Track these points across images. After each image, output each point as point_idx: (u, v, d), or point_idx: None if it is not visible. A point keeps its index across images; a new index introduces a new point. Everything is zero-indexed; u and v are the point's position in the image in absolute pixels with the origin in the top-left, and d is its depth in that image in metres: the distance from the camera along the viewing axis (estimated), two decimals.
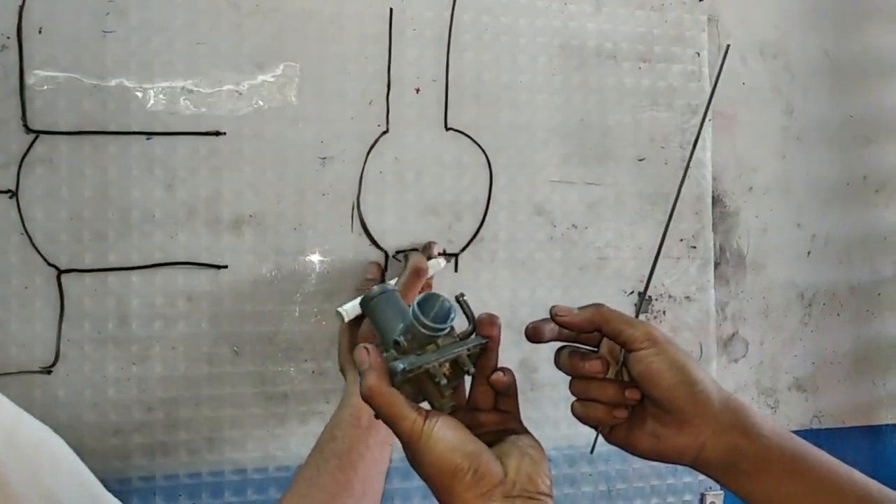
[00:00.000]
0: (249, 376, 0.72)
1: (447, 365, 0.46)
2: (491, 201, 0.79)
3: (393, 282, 0.67)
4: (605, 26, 0.83)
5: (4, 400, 0.31)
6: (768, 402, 0.90)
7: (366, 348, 0.44)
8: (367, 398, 0.42)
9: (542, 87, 0.81)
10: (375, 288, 0.51)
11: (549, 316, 0.51)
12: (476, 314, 0.48)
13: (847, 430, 0.92)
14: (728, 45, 0.63)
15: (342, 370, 0.66)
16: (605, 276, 0.82)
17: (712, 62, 0.87)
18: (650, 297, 0.83)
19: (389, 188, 0.77)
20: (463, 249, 0.79)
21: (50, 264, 0.68)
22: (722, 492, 0.85)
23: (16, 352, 0.67)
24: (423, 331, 0.45)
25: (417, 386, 0.46)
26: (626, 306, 0.83)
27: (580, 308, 0.51)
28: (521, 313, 0.80)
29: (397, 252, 0.76)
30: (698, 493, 0.84)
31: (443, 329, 0.45)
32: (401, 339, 0.46)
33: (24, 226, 0.67)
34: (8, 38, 0.68)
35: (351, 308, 0.65)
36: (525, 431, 0.47)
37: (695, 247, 0.85)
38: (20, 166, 0.68)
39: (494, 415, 0.48)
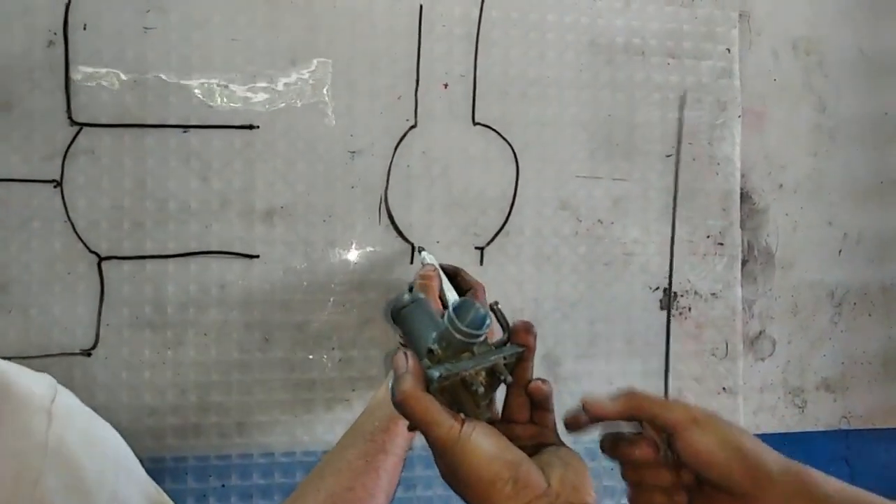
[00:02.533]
0: (278, 363, 0.74)
1: (483, 373, 0.44)
2: (517, 196, 0.80)
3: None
4: (634, 22, 0.83)
5: (76, 401, 0.32)
6: (796, 402, 0.89)
7: (403, 353, 0.43)
8: (401, 403, 0.41)
9: (569, 83, 0.81)
10: (405, 296, 0.50)
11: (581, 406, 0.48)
12: (509, 318, 0.47)
13: (876, 432, 0.91)
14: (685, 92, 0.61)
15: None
16: (630, 272, 0.82)
17: (743, 58, 0.86)
18: (675, 293, 0.83)
19: (417, 182, 0.78)
20: (489, 243, 0.80)
21: (91, 251, 0.71)
22: None
23: (58, 334, 0.70)
24: (459, 337, 0.43)
25: (452, 395, 0.44)
26: (651, 301, 0.83)
27: (612, 399, 0.48)
28: (545, 307, 0.81)
29: (420, 248, 0.77)
30: None
31: (479, 335, 0.44)
32: (435, 346, 0.44)
33: (67, 214, 0.70)
34: (55, 34, 0.71)
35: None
36: (563, 444, 0.45)
37: (722, 244, 0.85)
38: (65, 157, 0.71)
39: (530, 427, 0.45)
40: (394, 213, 0.77)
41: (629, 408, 0.47)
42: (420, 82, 0.78)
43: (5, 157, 0.69)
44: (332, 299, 0.76)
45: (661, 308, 0.83)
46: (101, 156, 0.71)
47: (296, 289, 0.75)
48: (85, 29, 0.71)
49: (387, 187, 0.77)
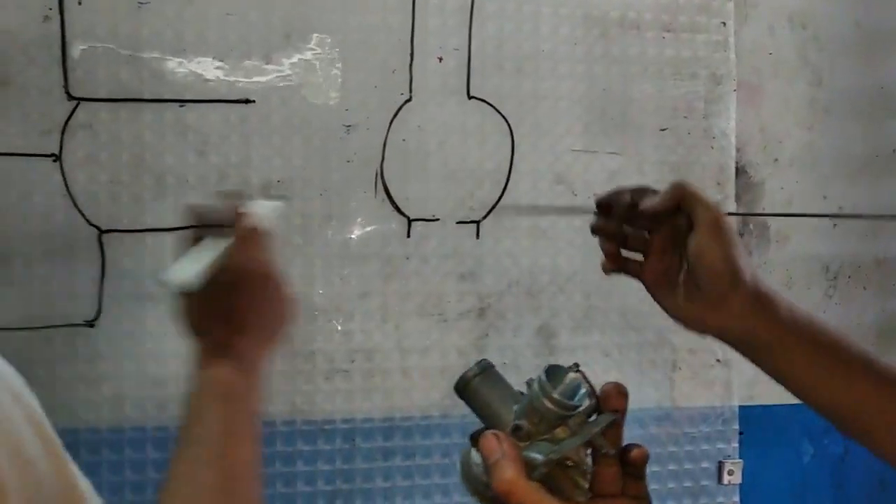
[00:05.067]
0: None
1: (582, 450, 0.39)
2: (512, 169, 0.81)
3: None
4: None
5: None
6: None
7: (495, 435, 0.38)
8: (507, 495, 0.36)
9: (564, 57, 0.81)
10: (473, 367, 0.44)
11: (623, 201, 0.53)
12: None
13: None
14: None
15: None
16: None
17: (739, 32, 0.86)
18: None
19: (412, 155, 0.78)
20: (484, 217, 0.80)
21: (91, 224, 0.72)
22: (740, 460, 0.86)
23: (61, 306, 0.71)
24: (554, 409, 0.39)
25: (551, 478, 0.39)
26: None
27: (663, 194, 0.52)
28: (540, 280, 0.81)
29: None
30: (716, 460, 0.85)
31: (580, 406, 0.39)
32: (523, 423, 0.40)
33: (67, 188, 0.71)
34: (50, 9, 0.71)
35: (185, 273, 0.50)
36: None
37: None
38: (63, 132, 0.71)
39: (624, 501, 0.41)
40: (390, 187, 0.78)
41: (678, 196, 0.51)
42: (414, 56, 0.78)
43: (4, 131, 0.70)
44: (329, 272, 0.77)
45: None
46: (98, 130, 0.72)
47: (293, 262, 0.76)
48: (80, 4, 0.72)
49: (382, 161, 0.78)
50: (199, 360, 0.52)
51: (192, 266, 0.50)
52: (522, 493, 0.36)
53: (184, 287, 0.50)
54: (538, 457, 0.37)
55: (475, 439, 0.42)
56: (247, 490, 0.47)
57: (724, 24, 0.86)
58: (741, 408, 0.86)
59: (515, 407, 0.41)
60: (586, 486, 0.39)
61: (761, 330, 0.50)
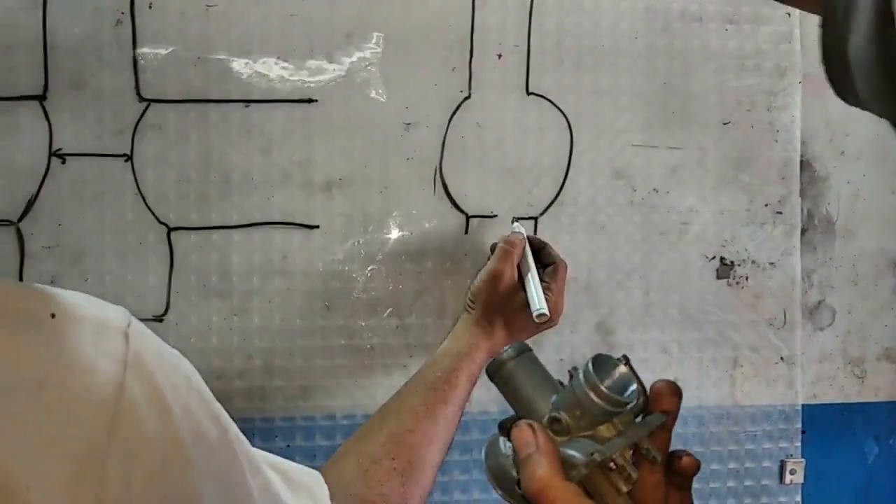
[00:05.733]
0: (338, 330, 0.76)
1: (629, 453, 0.35)
2: (571, 165, 0.80)
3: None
4: None
5: (146, 328, 0.35)
6: (855, 372, 0.87)
7: (530, 426, 0.35)
8: (539, 495, 0.33)
9: (624, 51, 0.80)
10: (508, 349, 0.41)
11: None
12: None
13: None
14: None
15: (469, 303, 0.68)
16: (685, 241, 0.82)
17: (804, 22, 0.84)
18: (732, 262, 0.83)
19: (471, 152, 0.79)
20: (542, 213, 0.80)
21: (161, 222, 0.74)
22: (802, 459, 0.84)
23: (131, 301, 0.73)
24: (603, 405, 0.35)
25: (588, 481, 0.35)
26: (708, 271, 0.82)
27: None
28: (598, 276, 0.81)
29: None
30: (778, 459, 0.84)
31: (629, 402, 0.36)
32: (562, 415, 0.36)
33: (137, 187, 0.73)
34: (122, 13, 0.73)
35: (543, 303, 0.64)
36: None
37: (780, 212, 0.83)
38: (134, 132, 0.73)
39: None
40: (448, 184, 0.78)
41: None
42: (474, 53, 0.78)
43: (79, 133, 0.73)
44: (388, 268, 0.77)
45: (718, 277, 0.83)
46: (167, 131, 0.74)
47: (354, 258, 0.77)
48: (150, 7, 0.73)
49: (441, 158, 0.78)
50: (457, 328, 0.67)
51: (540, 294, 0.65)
52: (557, 494, 0.32)
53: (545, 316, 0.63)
54: (578, 455, 0.33)
55: (505, 428, 0.39)
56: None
57: (789, 14, 0.83)
58: (804, 406, 0.84)
59: (553, 397, 0.38)
60: (626, 492, 0.35)
61: None
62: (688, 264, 0.82)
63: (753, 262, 0.83)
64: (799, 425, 0.84)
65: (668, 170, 0.82)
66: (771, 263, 0.83)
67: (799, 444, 0.84)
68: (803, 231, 0.85)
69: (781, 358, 0.84)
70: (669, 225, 0.82)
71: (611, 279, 0.81)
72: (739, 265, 0.83)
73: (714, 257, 0.83)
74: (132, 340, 0.32)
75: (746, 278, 0.83)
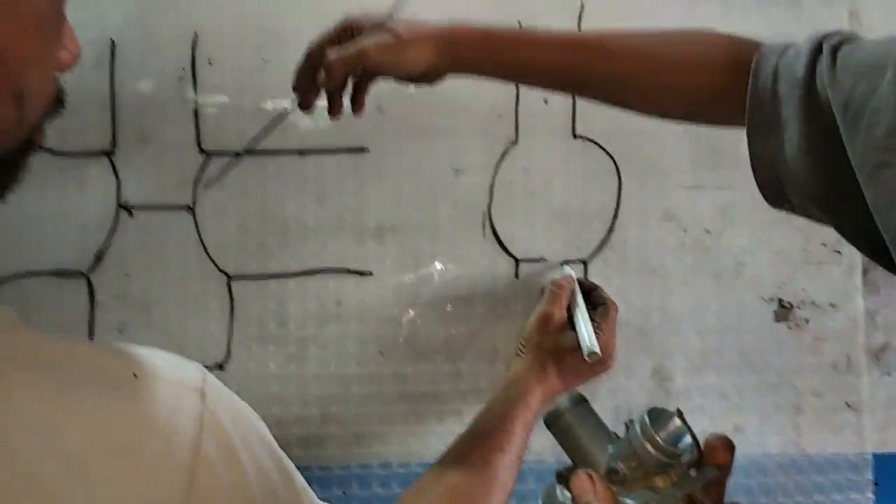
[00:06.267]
0: (392, 376, 0.77)
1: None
2: (620, 207, 0.80)
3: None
4: (736, 27, 0.81)
5: (220, 383, 0.36)
6: None
7: (589, 476, 0.36)
8: None
9: None
10: (565, 399, 0.43)
11: None
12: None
13: None
14: None
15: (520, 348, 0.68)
16: (741, 283, 0.80)
17: None
18: (790, 303, 0.81)
19: (519, 197, 0.79)
20: (592, 256, 0.80)
21: (221, 271, 0.76)
22: None
23: (194, 350, 0.75)
24: (659, 457, 0.36)
25: None
26: (766, 313, 0.80)
27: None
28: (652, 320, 0.80)
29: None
30: None
31: (683, 454, 0.37)
32: (619, 465, 0.38)
33: (199, 237, 0.76)
34: (183, 69, 0.77)
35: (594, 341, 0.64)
36: None
37: (839, 251, 0.81)
38: (195, 184, 0.76)
39: None
40: (497, 229, 0.79)
41: None
42: (520, 99, 0.79)
43: (144, 186, 0.76)
44: (440, 313, 0.78)
45: (776, 320, 0.80)
46: (227, 182, 0.76)
47: (406, 304, 0.77)
48: (210, 63, 0.77)
49: (490, 203, 0.79)
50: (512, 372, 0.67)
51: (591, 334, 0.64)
52: None
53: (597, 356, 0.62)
54: None
55: (563, 477, 0.41)
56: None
57: None
58: (875, 456, 0.81)
59: (610, 447, 0.39)
60: None
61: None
62: (744, 306, 0.80)
63: (813, 303, 0.81)
64: (870, 476, 0.80)
65: (718, 210, 0.81)
66: (832, 305, 0.81)
67: (871, 495, 0.80)
68: (865, 271, 0.82)
69: (847, 403, 0.81)
70: (723, 266, 0.80)
71: (665, 323, 0.80)
72: (798, 307, 0.81)
73: (771, 299, 0.81)
74: (207, 398, 0.33)
75: (807, 321, 0.81)
